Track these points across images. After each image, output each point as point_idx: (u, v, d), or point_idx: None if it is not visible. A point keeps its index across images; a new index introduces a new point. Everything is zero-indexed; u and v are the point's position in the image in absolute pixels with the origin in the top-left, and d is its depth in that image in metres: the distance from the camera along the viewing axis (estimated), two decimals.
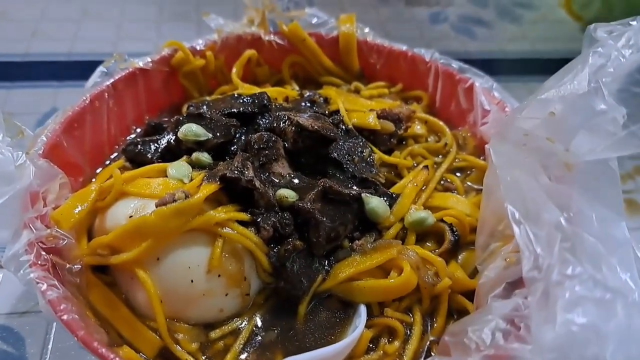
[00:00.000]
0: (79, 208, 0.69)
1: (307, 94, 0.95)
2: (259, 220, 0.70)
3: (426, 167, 0.86)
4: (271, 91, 0.92)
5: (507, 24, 1.66)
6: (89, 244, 0.69)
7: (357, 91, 1.03)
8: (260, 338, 0.69)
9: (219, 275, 0.67)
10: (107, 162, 0.89)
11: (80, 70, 1.31)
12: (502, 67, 1.50)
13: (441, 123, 0.96)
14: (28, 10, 1.51)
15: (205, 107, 0.86)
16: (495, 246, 0.71)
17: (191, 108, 0.87)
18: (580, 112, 0.62)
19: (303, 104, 0.91)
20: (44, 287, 0.61)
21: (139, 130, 0.94)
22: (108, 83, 0.89)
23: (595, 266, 0.56)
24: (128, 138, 0.93)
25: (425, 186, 0.84)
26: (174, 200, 0.66)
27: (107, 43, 1.43)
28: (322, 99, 0.93)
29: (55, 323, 0.74)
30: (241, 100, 0.85)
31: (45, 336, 0.79)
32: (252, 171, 0.72)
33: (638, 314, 0.51)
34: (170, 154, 0.80)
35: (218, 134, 0.80)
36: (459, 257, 0.78)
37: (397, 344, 0.68)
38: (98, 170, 0.86)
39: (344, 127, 0.86)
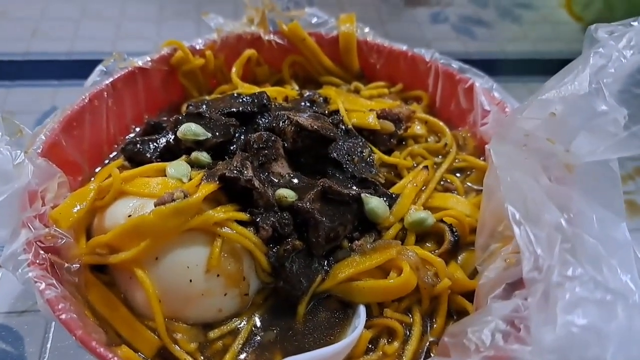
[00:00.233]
0: (78, 207, 0.69)
1: (307, 93, 0.95)
2: (258, 220, 0.69)
3: (426, 167, 0.86)
4: (271, 91, 0.92)
5: (507, 24, 1.66)
6: (88, 243, 0.68)
7: (357, 91, 1.03)
8: (259, 338, 0.69)
9: (218, 275, 0.67)
10: (106, 161, 0.89)
11: (79, 69, 1.30)
12: (502, 67, 1.50)
13: (441, 123, 0.96)
14: (28, 10, 1.51)
15: (204, 106, 0.85)
16: (495, 247, 0.71)
17: (190, 107, 0.87)
18: (581, 112, 0.62)
19: (303, 103, 0.91)
20: (42, 286, 0.61)
21: (138, 129, 0.94)
22: (107, 82, 0.89)
23: (595, 267, 0.56)
24: (127, 137, 0.93)
25: (425, 186, 0.84)
26: (173, 200, 0.66)
27: (106, 42, 1.43)
28: (321, 98, 0.92)
29: (54, 322, 0.74)
30: (241, 100, 0.85)
31: (44, 335, 0.79)
32: (251, 171, 0.71)
33: (639, 316, 0.51)
34: (170, 153, 0.79)
35: (217, 134, 0.79)
36: (459, 257, 0.78)
37: (396, 344, 0.68)
38: (97, 170, 0.86)
39: (343, 127, 0.86)
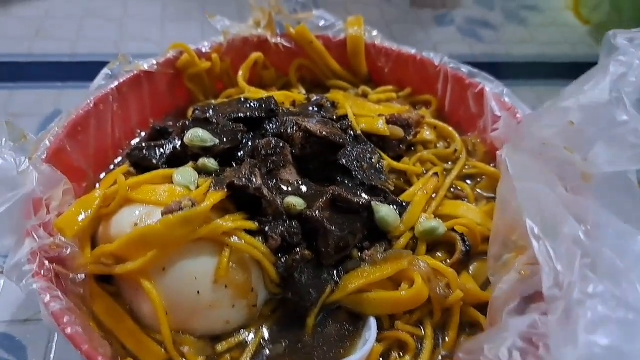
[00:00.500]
0: (83, 215, 0.67)
1: (314, 98, 0.93)
2: (266, 229, 0.68)
3: (436, 174, 0.84)
4: (278, 95, 0.91)
5: (513, 26, 1.64)
6: (93, 253, 0.67)
7: (364, 95, 1.02)
8: (267, 351, 0.67)
9: (226, 286, 0.66)
10: (112, 167, 0.88)
11: (83, 71, 1.29)
12: (508, 70, 1.48)
13: (450, 129, 0.95)
14: (31, 9, 1.50)
15: (211, 111, 0.84)
16: (508, 257, 0.69)
17: (197, 112, 0.85)
18: (601, 122, 0.61)
19: (310, 108, 0.90)
20: (47, 298, 0.59)
21: (143, 134, 0.93)
22: (112, 86, 0.87)
23: (615, 282, 0.54)
24: (132, 142, 0.91)
25: (435, 194, 0.82)
26: (181, 209, 0.64)
27: (110, 43, 1.41)
28: (329, 103, 0.91)
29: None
30: (248, 105, 0.83)
31: (47, 345, 0.77)
32: (260, 179, 0.70)
33: None
34: (176, 159, 0.78)
35: (225, 140, 0.78)
36: (471, 267, 0.76)
37: (408, 358, 0.67)
38: (102, 175, 0.85)
39: (352, 132, 0.85)
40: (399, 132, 0.88)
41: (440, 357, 0.68)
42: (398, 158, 0.87)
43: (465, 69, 0.98)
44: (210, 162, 0.75)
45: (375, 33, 1.05)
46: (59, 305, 0.59)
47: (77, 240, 0.67)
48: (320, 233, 0.69)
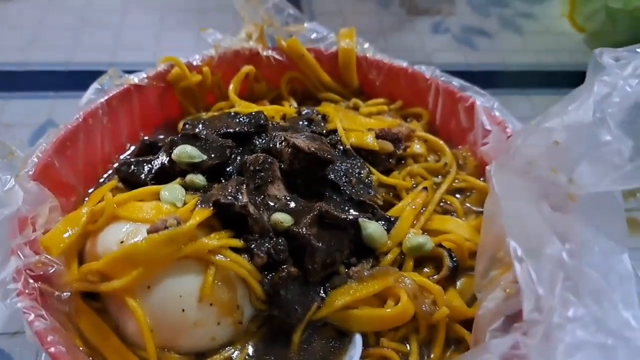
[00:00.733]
0: (69, 232, 0.68)
1: (305, 111, 0.93)
2: (252, 246, 0.68)
3: (425, 188, 0.85)
4: (268, 109, 0.91)
5: (509, 34, 1.64)
6: (79, 270, 0.67)
7: (355, 108, 1.01)
8: None
9: (211, 304, 0.66)
10: (101, 180, 0.88)
11: (77, 81, 1.28)
12: (503, 79, 1.48)
13: (441, 142, 0.95)
14: (26, 18, 1.50)
15: (201, 125, 0.84)
16: (494, 274, 0.69)
17: (187, 126, 0.85)
18: (585, 142, 0.61)
19: (301, 122, 0.90)
20: (31, 317, 0.60)
21: (133, 147, 0.93)
22: (102, 100, 0.87)
23: (597, 302, 0.54)
24: (122, 156, 0.91)
25: (424, 208, 0.82)
26: (166, 227, 0.65)
27: (105, 52, 1.41)
28: (320, 116, 0.91)
29: None
30: (237, 120, 0.84)
31: (35, 358, 0.77)
32: (246, 196, 0.70)
33: None
34: (165, 175, 0.78)
35: (213, 155, 0.78)
36: (458, 282, 0.76)
37: None
38: (91, 190, 0.85)
39: (341, 147, 0.85)
40: (388, 146, 0.88)
41: None
42: (388, 172, 0.88)
43: (456, 82, 0.98)
44: (198, 178, 0.75)
45: (366, 45, 1.05)
46: (42, 325, 0.59)
47: (64, 257, 0.67)
48: (307, 250, 0.70)
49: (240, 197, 0.69)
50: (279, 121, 0.90)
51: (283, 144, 0.78)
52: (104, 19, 1.53)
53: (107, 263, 0.65)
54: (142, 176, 0.79)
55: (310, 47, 1.03)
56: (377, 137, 0.88)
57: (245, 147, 0.82)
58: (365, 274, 0.71)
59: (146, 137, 0.90)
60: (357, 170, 0.82)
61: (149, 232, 0.65)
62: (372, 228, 0.74)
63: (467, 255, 0.77)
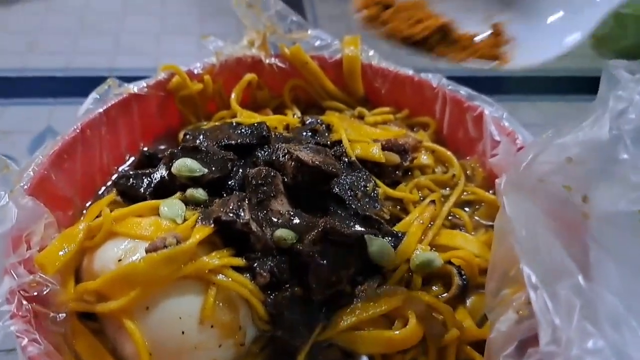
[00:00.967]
0: (65, 250, 0.65)
1: (309, 120, 0.91)
2: (255, 265, 0.66)
3: (433, 201, 0.82)
4: (271, 119, 0.88)
5: None
6: (75, 289, 0.65)
7: (361, 116, 0.99)
8: None
9: (212, 326, 0.63)
10: (99, 192, 0.85)
11: (77, 86, 1.27)
12: (509, 85, 1.45)
13: (449, 153, 0.92)
14: (25, 23, 1.48)
15: (201, 136, 0.82)
16: (506, 293, 0.66)
17: (187, 137, 0.83)
18: (600, 160, 0.58)
19: (304, 133, 0.87)
20: (25, 342, 0.57)
21: (132, 158, 0.90)
22: (100, 110, 0.85)
23: (617, 330, 0.52)
24: (121, 168, 0.89)
25: (432, 222, 0.80)
26: (165, 246, 0.62)
27: (105, 57, 1.39)
28: (324, 126, 0.88)
29: None
30: (239, 131, 0.81)
31: None
32: (248, 213, 0.68)
33: None
34: (164, 189, 0.75)
35: (214, 169, 0.75)
36: (468, 301, 0.74)
37: None
38: (88, 203, 0.83)
39: (346, 159, 0.82)
40: (394, 158, 0.85)
41: None
42: (394, 184, 0.85)
43: (464, 91, 0.96)
44: (199, 193, 0.73)
45: (372, 53, 1.03)
46: (36, 350, 0.57)
47: (59, 276, 0.65)
48: (311, 268, 0.67)
49: (242, 214, 0.67)
50: (282, 132, 0.88)
51: (286, 156, 0.76)
52: (103, 24, 1.51)
53: (104, 283, 0.62)
54: (141, 190, 0.76)
55: (314, 55, 1.01)
56: (383, 148, 0.85)
57: (247, 159, 0.79)
58: (372, 293, 0.69)
59: (146, 149, 0.88)
60: (362, 184, 0.80)
61: (147, 251, 0.62)
62: (379, 245, 0.71)
63: (477, 272, 0.75)
